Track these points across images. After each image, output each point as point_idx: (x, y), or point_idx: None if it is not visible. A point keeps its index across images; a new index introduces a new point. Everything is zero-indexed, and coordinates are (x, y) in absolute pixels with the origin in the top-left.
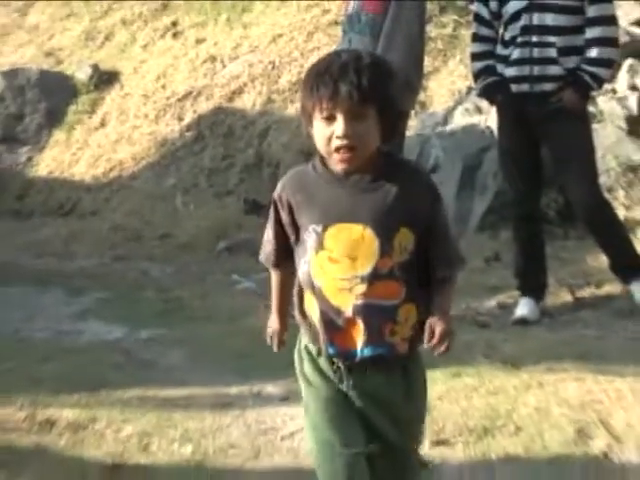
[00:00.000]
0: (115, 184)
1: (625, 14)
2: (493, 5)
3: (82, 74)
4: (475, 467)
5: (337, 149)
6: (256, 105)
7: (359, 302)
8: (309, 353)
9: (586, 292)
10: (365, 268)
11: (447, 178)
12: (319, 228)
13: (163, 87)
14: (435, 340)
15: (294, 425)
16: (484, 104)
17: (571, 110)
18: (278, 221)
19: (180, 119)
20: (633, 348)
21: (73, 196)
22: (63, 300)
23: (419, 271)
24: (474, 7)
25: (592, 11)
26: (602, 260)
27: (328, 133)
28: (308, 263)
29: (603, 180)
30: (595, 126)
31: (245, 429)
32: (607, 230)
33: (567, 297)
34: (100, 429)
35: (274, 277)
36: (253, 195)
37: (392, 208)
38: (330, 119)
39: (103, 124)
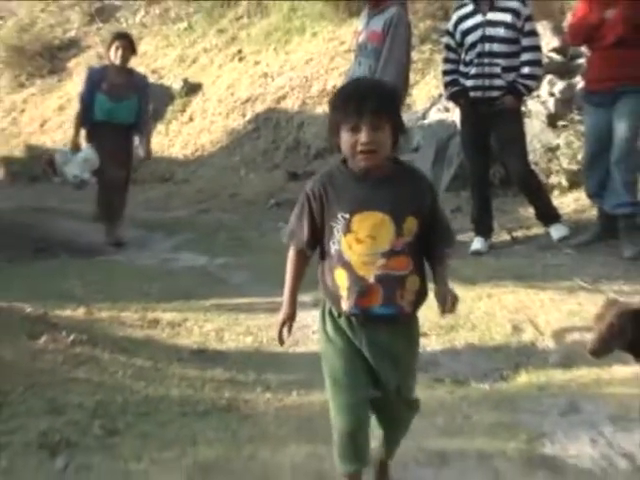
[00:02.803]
0: (199, 160)
1: (547, 44)
2: (457, 38)
3: (176, 85)
4: (445, 352)
5: (361, 152)
6: (295, 107)
7: (379, 272)
8: (331, 315)
9: (519, 233)
10: (384, 246)
11: (425, 156)
12: (347, 215)
13: (232, 94)
14: (448, 307)
15: None
16: (451, 105)
17: (510, 110)
18: (311, 213)
19: (243, 116)
20: (551, 271)
21: (170, 169)
22: (164, 238)
23: (419, 249)
24: (444, 39)
25: (525, 42)
26: (530, 211)
27: (353, 141)
28: (338, 243)
29: (531, 157)
30: (526, 120)
31: None
32: (533, 191)
33: (506, 236)
34: (189, 326)
35: (296, 260)
36: (293, 168)
37: (403, 201)
38: (355, 129)
39: (191, 119)
